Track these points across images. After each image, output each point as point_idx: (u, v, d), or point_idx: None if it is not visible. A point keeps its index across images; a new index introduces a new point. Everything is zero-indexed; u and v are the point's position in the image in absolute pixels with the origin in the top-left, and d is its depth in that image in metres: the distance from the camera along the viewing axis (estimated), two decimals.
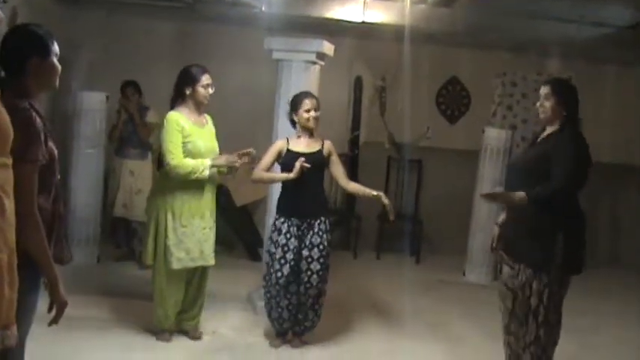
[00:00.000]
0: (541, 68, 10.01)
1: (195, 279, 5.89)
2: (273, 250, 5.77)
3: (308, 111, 5.71)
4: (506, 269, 5.19)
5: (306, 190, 5.72)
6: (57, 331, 3.43)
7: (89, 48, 8.67)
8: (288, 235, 5.73)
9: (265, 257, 6.07)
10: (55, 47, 3.23)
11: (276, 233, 5.78)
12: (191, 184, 5.58)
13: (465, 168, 9.39)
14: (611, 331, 7.15)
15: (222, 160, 5.63)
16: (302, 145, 5.78)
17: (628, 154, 10.21)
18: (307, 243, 5.72)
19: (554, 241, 4.86)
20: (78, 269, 6.43)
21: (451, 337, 6.64)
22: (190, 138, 5.54)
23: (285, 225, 5.75)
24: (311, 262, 5.72)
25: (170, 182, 5.60)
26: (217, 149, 5.77)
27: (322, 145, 5.83)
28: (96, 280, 7.21)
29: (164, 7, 8.81)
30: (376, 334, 6.53)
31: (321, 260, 5.74)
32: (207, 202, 5.74)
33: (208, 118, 5.87)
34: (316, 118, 5.74)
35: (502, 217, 5.34)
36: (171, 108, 5.67)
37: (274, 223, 5.85)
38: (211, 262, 5.82)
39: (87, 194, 7.82)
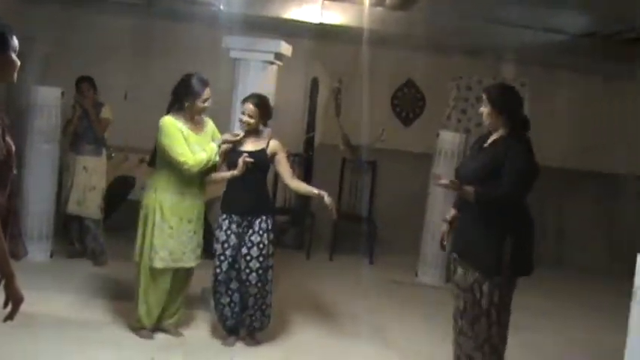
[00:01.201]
0: (496, 73, 10.15)
1: (178, 278, 5.94)
2: (215, 246, 5.86)
3: (243, 114, 5.81)
4: (459, 270, 5.27)
5: (247, 188, 5.77)
6: (12, 327, 3.42)
7: (43, 42, 8.61)
8: (229, 232, 5.79)
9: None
10: (15, 42, 3.21)
11: (218, 230, 5.86)
12: (182, 187, 5.74)
13: (419, 170, 9.48)
14: (554, 330, 7.30)
15: (223, 137, 5.84)
16: (248, 143, 5.84)
17: (578, 160, 10.38)
18: (247, 241, 5.77)
19: (502, 244, 4.94)
20: (31, 265, 6.40)
21: (402, 337, 6.69)
22: (186, 143, 5.65)
23: (226, 221, 5.81)
24: (250, 260, 5.76)
25: (163, 184, 5.73)
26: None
27: (267, 144, 5.88)
28: (50, 277, 7.15)
29: (120, 3, 8.78)
30: (327, 335, 6.56)
31: (261, 259, 5.77)
32: (195, 206, 5.86)
33: (206, 120, 5.96)
34: (250, 125, 5.79)
35: (451, 213, 5.42)
36: (167, 112, 5.75)
37: (218, 219, 5.91)
38: (192, 263, 5.92)
39: (41, 189, 7.73)
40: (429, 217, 8.88)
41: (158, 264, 5.72)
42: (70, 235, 8.18)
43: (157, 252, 5.70)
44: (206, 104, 5.74)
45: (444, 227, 5.41)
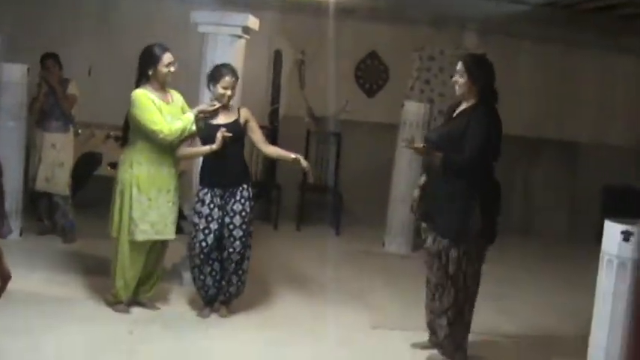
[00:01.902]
0: (459, 43, 10.24)
1: (154, 251, 5.99)
2: (197, 220, 5.87)
3: (225, 88, 5.81)
4: (429, 238, 5.40)
5: (227, 160, 5.82)
6: None
7: (6, 19, 8.52)
8: (212, 206, 5.83)
9: (189, 228, 6.15)
10: None
11: (199, 204, 5.88)
12: (157, 158, 5.76)
13: (383, 141, 9.58)
14: (524, 297, 7.43)
15: (200, 107, 5.85)
16: (220, 116, 5.88)
17: (541, 128, 10.56)
18: (229, 210, 5.84)
19: (469, 211, 5.08)
20: (0, 243, 6.38)
21: (372, 304, 6.80)
22: (160, 113, 5.68)
23: (209, 195, 5.85)
24: (233, 229, 5.83)
25: (137, 157, 5.74)
26: None
27: (239, 113, 5.93)
28: (20, 254, 7.09)
29: None
30: (299, 303, 6.67)
31: (244, 227, 5.86)
32: (172, 176, 5.90)
33: (174, 93, 5.98)
34: (230, 97, 5.85)
35: (422, 179, 5.55)
36: (136, 87, 5.77)
37: (197, 194, 5.94)
38: (172, 235, 5.97)
39: (8, 167, 7.58)
40: (395, 188, 8.99)
41: (140, 237, 5.75)
42: (39, 212, 8.15)
43: (137, 225, 5.72)
44: (170, 69, 5.75)
45: (416, 193, 5.53)
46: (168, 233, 5.91)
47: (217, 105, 5.83)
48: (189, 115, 5.75)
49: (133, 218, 5.72)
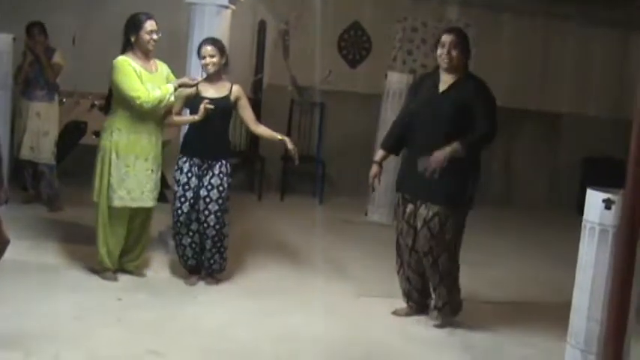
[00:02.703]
0: (441, 14, 10.28)
1: (137, 219, 6.05)
2: (175, 188, 5.98)
3: (204, 57, 5.88)
4: (409, 208, 5.47)
5: (210, 132, 5.91)
6: None
7: None
8: (190, 174, 5.92)
9: (171, 196, 6.22)
10: None
11: (178, 172, 5.98)
12: (137, 125, 5.81)
13: (366, 111, 9.67)
14: (506, 265, 7.56)
15: (181, 80, 5.91)
16: (211, 90, 5.95)
17: (522, 99, 10.64)
18: (206, 183, 5.91)
19: (468, 179, 5.21)
20: None
21: (356, 273, 6.91)
22: (140, 81, 5.71)
23: (187, 164, 5.93)
24: (209, 202, 5.91)
25: (117, 124, 5.80)
26: None
27: (230, 90, 5.97)
28: (6, 223, 7.13)
29: None
30: (284, 272, 6.73)
31: (220, 202, 5.93)
32: (152, 144, 5.93)
33: (160, 64, 6.01)
34: (214, 64, 5.89)
35: (380, 154, 5.76)
36: (121, 54, 5.82)
37: (177, 162, 6.02)
38: (151, 203, 6.01)
39: None
40: (375, 156, 9.02)
41: (116, 202, 5.82)
42: (24, 181, 8.17)
43: (114, 191, 5.79)
44: (153, 36, 5.80)
45: (375, 169, 5.64)
46: (145, 201, 5.95)
47: (199, 79, 5.90)
48: (169, 86, 5.81)
49: (111, 184, 5.79)
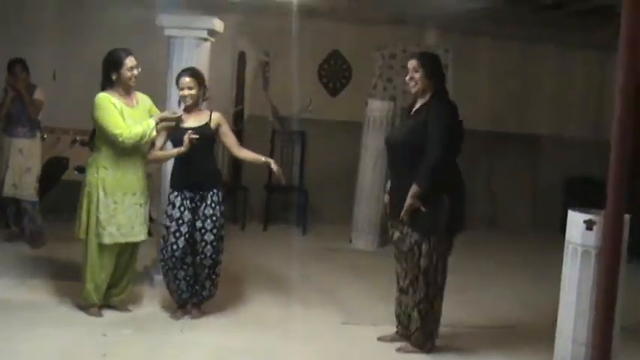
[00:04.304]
0: (420, 41, 10.37)
1: (126, 254, 6.04)
2: (169, 223, 5.92)
3: (182, 89, 5.89)
4: (396, 234, 5.51)
5: (196, 163, 5.88)
6: None
7: None
8: (182, 209, 5.89)
9: (162, 231, 6.18)
10: None
11: (170, 207, 5.94)
12: (123, 161, 5.80)
13: (347, 139, 9.71)
14: (490, 288, 7.57)
15: (162, 115, 5.89)
16: (190, 120, 5.93)
17: (502, 122, 10.74)
18: (200, 215, 5.89)
19: (439, 205, 5.21)
20: None
21: (341, 300, 6.89)
22: (121, 117, 5.71)
23: (179, 198, 5.91)
24: (204, 233, 5.88)
25: (102, 161, 5.79)
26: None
27: (210, 117, 5.99)
28: None
29: None
30: (269, 302, 6.71)
31: (215, 231, 5.91)
32: (138, 179, 5.93)
33: (141, 97, 6.02)
34: (192, 96, 5.89)
35: (389, 184, 5.69)
36: (101, 92, 5.82)
37: (168, 197, 6.00)
38: (141, 237, 6.00)
39: None
40: (360, 185, 9.10)
41: (106, 240, 5.79)
42: (6, 218, 8.15)
43: (104, 228, 5.77)
44: (134, 72, 5.80)
45: (386, 198, 5.68)
46: (136, 235, 5.95)
47: (179, 113, 5.90)
48: (150, 121, 5.79)
49: (100, 221, 5.77)
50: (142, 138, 5.73)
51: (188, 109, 5.95)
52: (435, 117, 5.26)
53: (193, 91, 5.89)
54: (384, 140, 5.77)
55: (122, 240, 5.88)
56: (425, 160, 5.18)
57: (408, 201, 5.19)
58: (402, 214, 5.25)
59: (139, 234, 5.97)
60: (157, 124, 5.82)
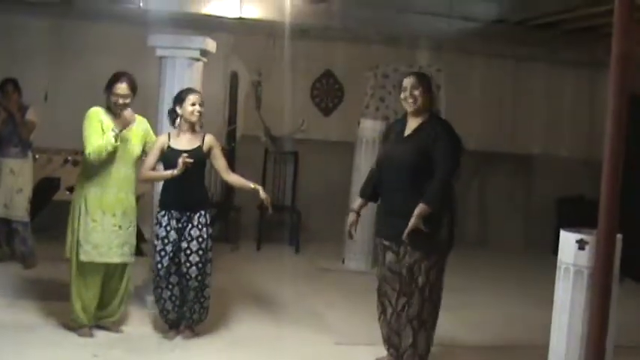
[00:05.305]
0: (412, 60, 10.39)
1: (115, 275, 5.99)
2: (155, 242, 5.93)
3: (193, 104, 5.84)
4: (389, 256, 5.45)
5: (186, 185, 5.85)
6: None
7: None
8: (168, 228, 5.87)
9: (150, 251, 6.17)
10: None
11: (157, 226, 5.93)
12: (103, 179, 5.76)
13: (340, 158, 9.73)
14: (483, 308, 7.57)
15: (117, 132, 5.72)
16: (183, 141, 5.90)
17: (494, 142, 10.76)
18: (186, 235, 5.86)
19: (441, 224, 5.19)
20: None
21: (334, 320, 6.87)
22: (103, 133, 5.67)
23: (166, 218, 5.89)
24: (190, 254, 5.85)
25: (86, 178, 5.78)
26: (137, 154, 5.94)
27: (203, 140, 5.97)
28: None
29: (40, 4, 8.70)
30: (262, 323, 6.69)
31: (200, 253, 5.88)
32: (119, 200, 5.85)
33: (139, 121, 6.00)
34: (200, 113, 5.88)
35: (358, 202, 5.73)
36: None
37: (156, 216, 5.99)
38: (117, 259, 5.89)
39: None
40: (353, 205, 9.05)
41: (82, 257, 5.75)
42: None
43: (81, 245, 5.74)
44: (120, 101, 5.75)
45: (352, 217, 5.64)
46: (112, 257, 5.86)
47: (118, 131, 5.72)
48: (110, 134, 5.64)
49: (79, 239, 5.75)
50: (102, 151, 5.62)
51: (185, 129, 5.91)
52: (446, 133, 5.26)
53: (198, 108, 5.87)
54: (378, 160, 5.68)
55: (99, 259, 5.81)
56: (437, 176, 5.15)
57: (415, 221, 5.10)
58: (405, 234, 5.18)
59: (116, 256, 5.87)
60: (115, 139, 5.65)
